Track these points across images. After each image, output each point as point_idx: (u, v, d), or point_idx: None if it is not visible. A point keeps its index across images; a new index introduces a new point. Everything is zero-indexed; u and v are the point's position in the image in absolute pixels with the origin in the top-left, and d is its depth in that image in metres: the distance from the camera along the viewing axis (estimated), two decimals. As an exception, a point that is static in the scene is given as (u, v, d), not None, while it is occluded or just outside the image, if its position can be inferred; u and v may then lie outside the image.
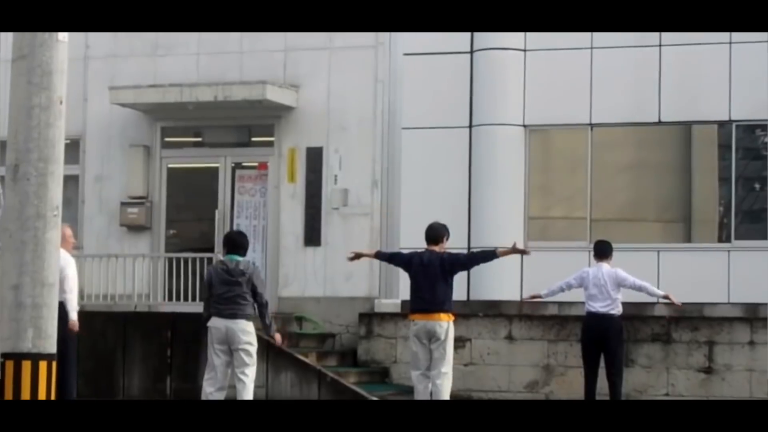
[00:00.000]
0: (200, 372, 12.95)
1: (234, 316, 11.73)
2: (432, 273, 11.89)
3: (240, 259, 11.89)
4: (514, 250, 12.19)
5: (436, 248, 12.12)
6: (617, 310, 13.22)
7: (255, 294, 11.78)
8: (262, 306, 11.86)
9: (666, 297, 13.57)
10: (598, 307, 13.18)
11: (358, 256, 12.52)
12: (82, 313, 15.79)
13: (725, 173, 15.66)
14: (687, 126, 15.85)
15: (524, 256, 15.75)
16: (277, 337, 12.28)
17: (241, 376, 11.76)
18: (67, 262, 11.91)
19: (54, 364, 6.93)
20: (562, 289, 13.47)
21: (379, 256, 12.91)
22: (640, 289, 13.39)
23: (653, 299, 15.27)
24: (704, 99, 15.40)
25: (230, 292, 11.76)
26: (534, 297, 13.92)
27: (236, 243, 12.05)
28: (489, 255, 12.18)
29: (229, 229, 16.59)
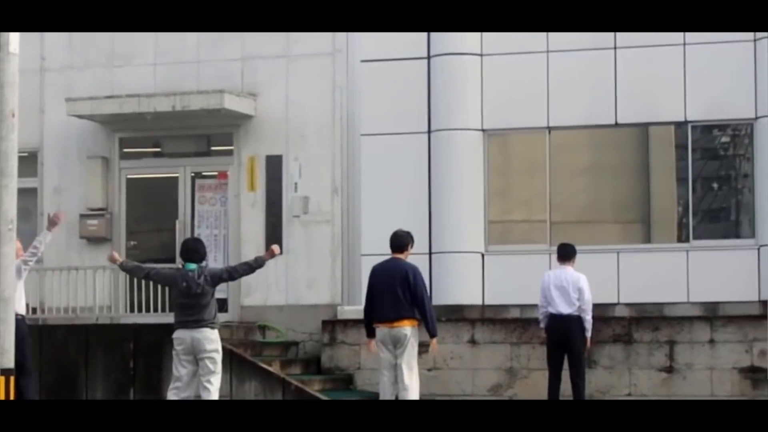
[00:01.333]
0: (164, 382, 12.93)
1: (197, 324, 11.71)
2: (393, 281, 11.92)
3: (194, 267, 11.86)
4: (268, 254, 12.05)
5: (401, 256, 12.16)
6: (579, 311, 13.27)
7: (222, 275, 11.86)
8: (228, 272, 11.98)
9: (585, 336, 13.41)
10: (561, 309, 13.22)
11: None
12: (43, 327, 15.74)
13: (683, 174, 15.76)
14: (644, 127, 15.95)
15: (485, 259, 15.82)
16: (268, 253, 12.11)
17: (207, 385, 11.75)
18: None
19: (12, 379, 6.89)
20: (545, 307, 13.43)
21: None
22: (583, 310, 13.30)
23: (613, 300, 15.36)
24: (660, 100, 15.50)
25: (191, 301, 11.74)
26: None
27: (192, 250, 11.98)
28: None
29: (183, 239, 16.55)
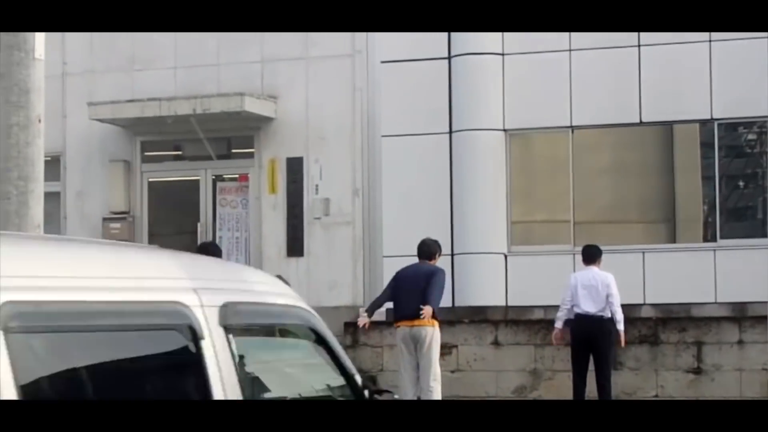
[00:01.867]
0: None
1: None
2: (417, 281, 11.88)
3: None
4: None
5: (429, 264, 12.16)
6: (607, 312, 13.14)
7: None
8: None
9: (618, 331, 13.26)
10: (587, 309, 13.11)
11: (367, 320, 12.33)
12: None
13: (708, 172, 15.65)
14: (668, 126, 15.85)
15: (508, 260, 15.74)
16: None
17: None
18: None
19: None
20: (567, 307, 13.30)
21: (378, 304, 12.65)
22: (613, 311, 13.17)
23: (639, 300, 15.26)
24: (685, 98, 15.40)
25: None
26: (557, 337, 13.52)
27: (209, 254, 11.96)
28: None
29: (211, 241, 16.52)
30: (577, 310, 13.19)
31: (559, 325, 13.33)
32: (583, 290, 13.11)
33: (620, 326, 13.11)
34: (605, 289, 13.07)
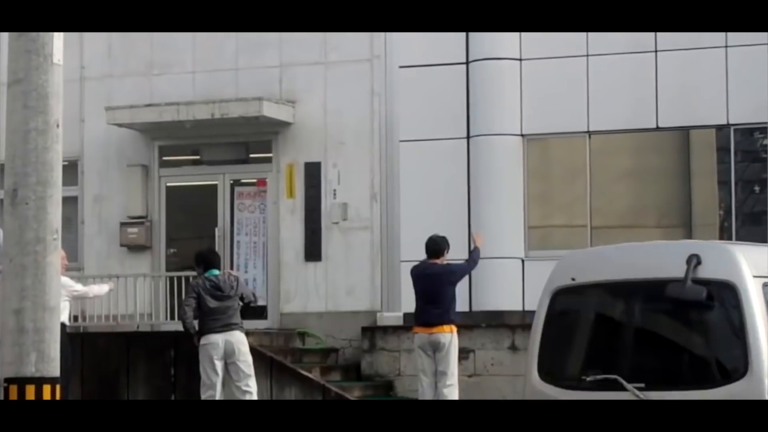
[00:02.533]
0: (204, 390, 12.91)
1: (230, 328, 11.75)
2: (433, 285, 11.88)
3: (217, 272, 11.99)
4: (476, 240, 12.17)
5: (438, 261, 12.10)
6: None
7: (243, 299, 11.98)
8: (247, 295, 12.12)
9: None
10: None
11: None
12: (85, 334, 15.81)
13: (724, 177, 15.63)
14: (685, 131, 15.83)
15: (525, 265, 15.76)
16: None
17: (246, 389, 11.76)
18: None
19: (58, 387, 6.90)
20: None
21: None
22: None
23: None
24: (702, 103, 15.38)
25: (223, 305, 11.79)
26: None
27: (212, 261, 12.22)
28: (474, 252, 12.19)
29: (229, 247, 16.62)
30: None
31: None
32: None
33: None
34: None
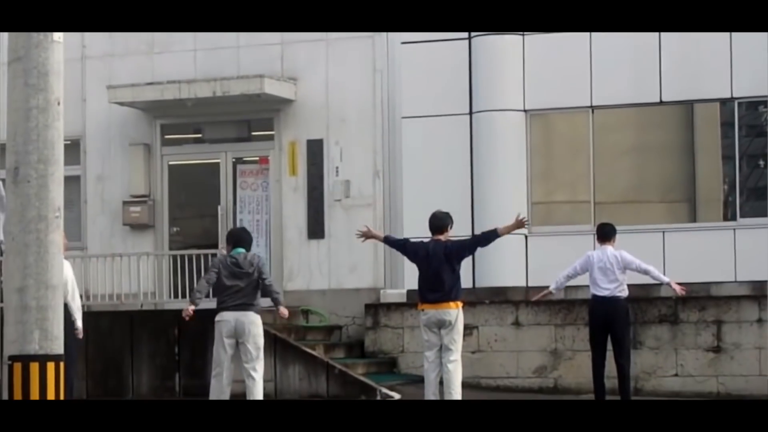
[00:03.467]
0: (208, 368, 12.95)
1: (244, 308, 11.70)
2: (438, 262, 11.85)
3: (242, 251, 11.90)
4: (516, 225, 12.04)
5: (441, 237, 12.07)
6: (623, 292, 13.12)
7: (263, 282, 11.81)
8: (270, 287, 11.90)
9: (669, 284, 13.25)
10: (603, 290, 13.08)
11: (367, 235, 12.28)
12: (89, 314, 15.81)
13: (728, 151, 15.61)
14: (689, 105, 15.79)
15: (528, 241, 15.75)
16: (283, 311, 12.08)
17: (252, 373, 11.73)
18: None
19: (62, 365, 6.90)
20: (569, 278, 13.26)
21: (388, 240, 12.57)
22: (645, 272, 13.19)
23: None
24: (705, 77, 15.34)
25: (240, 284, 11.73)
26: (544, 295, 13.57)
27: (241, 238, 12.09)
28: (491, 235, 12.09)
29: (232, 225, 16.59)
30: (593, 291, 13.17)
31: (552, 287, 13.22)
32: (599, 272, 13.07)
33: (665, 278, 13.06)
34: (620, 267, 13.03)
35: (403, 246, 12.31)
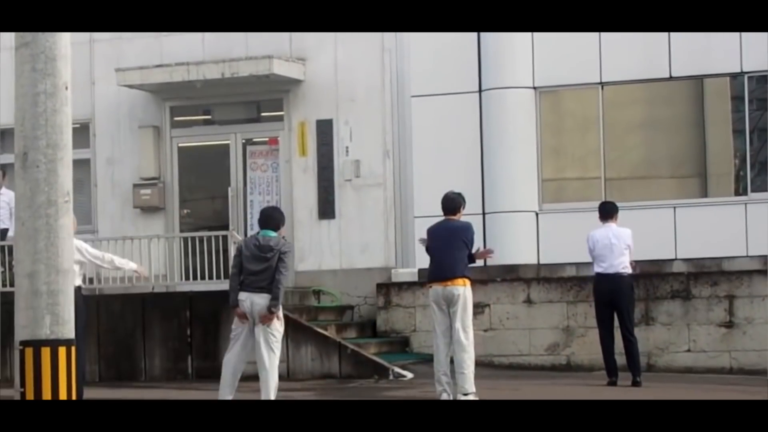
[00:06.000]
0: (221, 350, 12.95)
1: (261, 290, 11.61)
2: (449, 239, 11.85)
3: (273, 235, 11.70)
4: (481, 255, 12.16)
5: (454, 218, 12.07)
6: (627, 269, 13.12)
7: (276, 271, 11.53)
8: (277, 282, 11.60)
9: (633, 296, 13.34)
10: (606, 267, 13.08)
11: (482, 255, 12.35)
12: (100, 297, 15.85)
13: (739, 126, 15.55)
14: (699, 80, 15.73)
15: (539, 218, 15.73)
16: (267, 316, 11.77)
17: (263, 358, 11.46)
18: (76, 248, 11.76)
19: (73, 349, 6.91)
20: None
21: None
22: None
23: (671, 256, 15.21)
24: (715, 51, 15.27)
25: (259, 267, 11.63)
26: None
27: (266, 219, 11.78)
28: (471, 257, 12.06)
29: (242, 206, 16.58)
30: (596, 269, 13.18)
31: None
32: (603, 249, 13.09)
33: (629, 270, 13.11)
34: (623, 244, 13.03)
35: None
